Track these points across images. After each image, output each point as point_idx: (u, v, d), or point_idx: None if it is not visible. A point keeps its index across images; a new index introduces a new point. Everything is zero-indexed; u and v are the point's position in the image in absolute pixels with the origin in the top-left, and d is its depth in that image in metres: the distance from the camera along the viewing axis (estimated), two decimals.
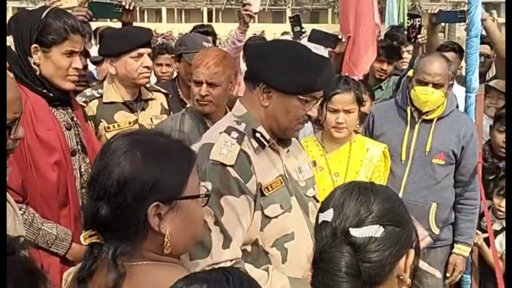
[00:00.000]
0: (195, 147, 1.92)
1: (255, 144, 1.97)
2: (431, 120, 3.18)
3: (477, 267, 3.46)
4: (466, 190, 3.22)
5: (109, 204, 1.30)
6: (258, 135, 1.98)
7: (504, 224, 3.35)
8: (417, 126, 3.19)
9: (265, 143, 1.98)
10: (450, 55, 4.02)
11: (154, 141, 1.39)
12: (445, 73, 3.08)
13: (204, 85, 2.74)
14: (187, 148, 1.45)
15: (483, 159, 3.40)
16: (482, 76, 4.39)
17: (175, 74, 3.97)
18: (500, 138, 3.46)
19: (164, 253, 1.35)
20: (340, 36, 3.73)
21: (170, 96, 3.36)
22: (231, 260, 1.87)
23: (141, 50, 3.03)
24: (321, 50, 4.77)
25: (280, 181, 1.99)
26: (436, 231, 3.18)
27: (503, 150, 3.46)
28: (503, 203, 3.30)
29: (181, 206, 1.36)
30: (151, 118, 3.12)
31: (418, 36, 3.84)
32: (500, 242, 3.35)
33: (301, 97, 1.96)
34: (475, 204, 3.24)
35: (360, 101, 2.91)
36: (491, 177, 3.47)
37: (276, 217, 1.97)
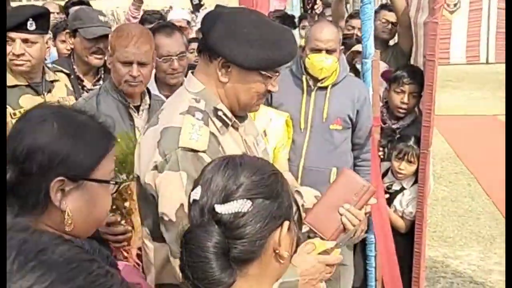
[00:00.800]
0: (153, 130, 1.83)
1: (219, 124, 1.85)
2: (326, 87, 3.26)
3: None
4: (363, 152, 3.35)
5: (15, 169, 1.26)
6: (220, 113, 1.85)
7: (404, 185, 3.51)
8: (313, 94, 3.26)
9: (228, 121, 1.87)
10: (358, 22, 4.13)
11: (75, 116, 1.35)
12: (336, 39, 3.17)
13: (135, 65, 2.56)
14: (107, 131, 1.39)
15: (382, 122, 3.53)
16: (386, 42, 4.51)
17: None
18: (397, 98, 3.58)
19: (65, 231, 1.31)
20: None
21: (71, 76, 3.24)
22: None
23: (11, 34, 2.80)
24: None
25: None
26: None
27: (401, 111, 3.59)
28: (402, 166, 3.43)
29: (88, 187, 1.32)
30: (58, 101, 2.95)
31: (315, 7, 3.89)
32: (400, 201, 3.51)
33: (263, 72, 1.83)
34: (370, 165, 3.35)
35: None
36: (389, 139, 3.60)
37: None
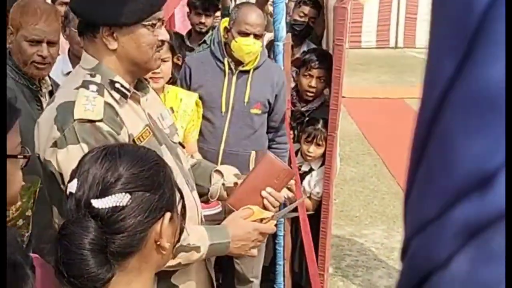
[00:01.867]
0: (49, 108, 1.79)
1: (117, 96, 1.82)
2: (247, 71, 3.27)
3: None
4: (277, 135, 3.40)
5: None
6: (117, 85, 1.82)
7: (312, 166, 3.60)
8: (234, 78, 3.26)
9: (127, 93, 1.84)
10: (312, 10, 4.18)
11: None
12: (263, 24, 3.19)
13: (45, 45, 2.43)
14: (10, 104, 1.35)
15: (291, 105, 3.60)
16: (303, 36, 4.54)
17: None
18: (305, 82, 3.66)
19: None
20: None
21: None
22: None
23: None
24: None
25: (148, 131, 1.87)
26: None
27: (309, 94, 3.67)
28: (311, 149, 3.52)
29: None
30: None
31: None
32: (308, 181, 3.60)
33: (145, 23, 1.81)
34: (285, 147, 3.43)
35: (174, 51, 2.89)
36: (298, 122, 3.67)
37: None
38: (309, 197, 3.61)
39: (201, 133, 3.24)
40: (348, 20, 3.24)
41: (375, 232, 5.29)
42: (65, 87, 1.86)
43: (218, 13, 4.57)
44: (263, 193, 2.04)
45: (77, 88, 1.78)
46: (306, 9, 4.26)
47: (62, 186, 1.71)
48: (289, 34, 3.45)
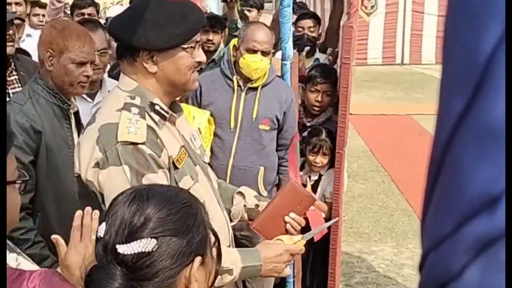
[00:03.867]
0: (91, 129, 1.83)
1: (156, 118, 1.87)
2: (256, 88, 3.32)
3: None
4: (287, 153, 3.42)
5: None
6: (157, 107, 1.88)
7: (322, 172, 3.65)
8: (243, 94, 3.32)
9: (166, 114, 1.90)
10: (310, 21, 4.25)
11: None
12: (271, 41, 3.25)
13: (89, 65, 2.56)
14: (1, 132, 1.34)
15: (298, 119, 3.65)
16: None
17: None
18: (312, 97, 3.72)
19: None
20: None
21: None
22: None
23: None
24: None
25: (184, 152, 1.93)
26: (264, 193, 3.37)
27: (316, 109, 3.74)
28: (318, 159, 3.58)
29: None
30: None
31: None
32: (322, 186, 3.64)
33: (185, 46, 1.88)
34: None
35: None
36: (302, 135, 3.72)
37: (189, 189, 1.88)
38: (324, 201, 3.65)
39: (211, 149, 3.28)
40: (354, 39, 3.28)
41: (384, 249, 5.29)
42: (106, 109, 1.89)
43: (226, 31, 4.64)
44: (286, 219, 2.12)
45: (119, 110, 1.82)
46: (302, 22, 4.36)
47: (102, 205, 1.75)
48: (296, 53, 3.49)
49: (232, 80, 3.31)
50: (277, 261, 1.95)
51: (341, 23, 3.68)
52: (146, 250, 1.14)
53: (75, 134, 2.61)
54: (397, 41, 16.84)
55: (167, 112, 1.90)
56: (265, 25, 3.43)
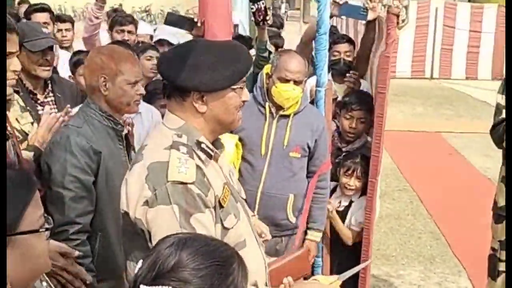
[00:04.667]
0: (139, 166, 1.84)
1: (203, 156, 1.90)
2: (288, 115, 3.32)
3: (328, 236, 3.69)
4: (318, 180, 3.41)
5: None
6: (203, 146, 1.91)
7: (352, 198, 3.63)
8: (275, 122, 3.32)
9: (211, 153, 1.92)
10: (346, 45, 4.26)
11: None
12: (304, 71, 3.25)
13: (140, 84, 2.65)
14: (25, 178, 1.32)
15: (332, 144, 3.64)
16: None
17: None
18: (346, 123, 3.72)
19: None
20: (196, 20, 3.72)
21: (19, 92, 3.19)
22: None
23: None
24: (177, 36, 4.78)
25: (228, 190, 1.94)
26: (293, 220, 3.36)
27: (350, 135, 3.73)
28: (352, 182, 3.58)
29: (18, 242, 1.26)
30: (17, 119, 2.89)
31: (266, 18, 3.90)
32: (351, 213, 3.63)
33: (234, 87, 1.92)
34: (325, 193, 3.46)
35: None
36: (337, 160, 3.71)
37: (232, 227, 1.92)
38: (349, 228, 3.64)
39: (240, 174, 3.29)
40: (390, 70, 3.27)
41: (411, 273, 5.24)
42: (154, 146, 1.91)
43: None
44: (284, 280, 2.14)
45: (167, 149, 1.84)
46: (339, 46, 4.33)
47: (148, 243, 1.77)
48: (330, 80, 3.49)
49: (264, 107, 3.32)
50: None
51: (377, 53, 3.66)
52: None
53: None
54: (427, 55, 16.74)
55: (212, 150, 1.92)
56: (298, 53, 3.42)
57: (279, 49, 4.20)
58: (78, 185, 2.49)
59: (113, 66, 2.58)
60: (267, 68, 3.36)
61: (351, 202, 3.69)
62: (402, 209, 6.79)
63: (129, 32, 4.71)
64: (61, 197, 2.46)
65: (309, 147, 3.34)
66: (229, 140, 3.10)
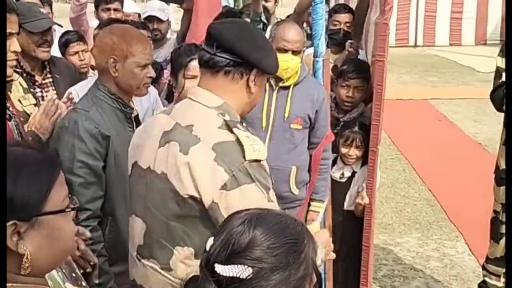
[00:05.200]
0: (200, 148, 1.79)
1: (253, 131, 1.95)
2: (288, 87, 3.28)
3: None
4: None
5: None
6: (244, 124, 1.93)
7: (354, 168, 3.61)
8: (275, 94, 3.28)
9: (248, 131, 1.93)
10: (346, 16, 4.22)
11: (9, 153, 1.25)
12: (302, 40, 3.20)
13: (150, 66, 2.59)
14: (49, 158, 1.31)
15: (330, 115, 3.61)
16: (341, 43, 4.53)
17: None
18: (343, 92, 3.68)
19: (26, 274, 1.25)
20: None
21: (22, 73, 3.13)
22: None
23: None
24: (166, 12, 4.70)
25: None
26: (296, 191, 3.35)
27: (347, 104, 3.69)
28: (351, 152, 3.56)
29: (44, 222, 1.25)
30: (19, 100, 2.84)
31: None
32: (357, 181, 3.65)
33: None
34: (328, 163, 3.43)
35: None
36: (335, 131, 3.68)
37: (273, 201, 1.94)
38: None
39: None
40: (388, 35, 3.23)
41: (409, 241, 5.27)
42: (205, 127, 1.86)
43: None
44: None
45: (223, 128, 1.83)
46: (339, 16, 4.27)
47: (212, 227, 1.76)
48: (328, 50, 3.44)
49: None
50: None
51: (372, 18, 3.62)
52: (241, 277, 1.14)
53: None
54: (410, 23, 16.68)
55: (248, 129, 1.93)
56: (294, 23, 3.37)
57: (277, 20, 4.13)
58: (87, 171, 2.45)
59: (124, 47, 2.51)
60: None
61: (354, 172, 3.67)
62: (395, 178, 6.82)
63: (115, 10, 4.59)
64: (70, 183, 2.38)
65: (310, 118, 3.31)
66: None
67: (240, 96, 1.92)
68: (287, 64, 3.17)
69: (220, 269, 1.14)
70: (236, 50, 1.87)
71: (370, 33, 3.70)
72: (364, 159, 3.59)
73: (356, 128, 3.58)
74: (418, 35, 16.74)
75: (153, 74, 2.61)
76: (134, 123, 2.62)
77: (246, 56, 1.87)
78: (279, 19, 4.44)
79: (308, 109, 3.29)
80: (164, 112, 2.04)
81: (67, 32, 4.08)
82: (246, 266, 1.14)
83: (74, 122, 2.47)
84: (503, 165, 3.55)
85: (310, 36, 3.81)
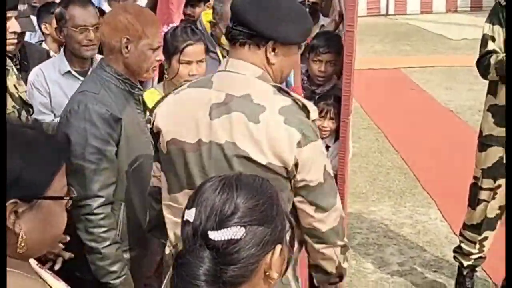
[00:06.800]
0: (268, 113, 1.85)
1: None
2: None
3: None
4: None
5: None
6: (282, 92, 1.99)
7: (328, 143, 3.62)
8: None
9: None
10: None
11: (23, 133, 1.31)
12: None
13: (160, 49, 2.52)
14: (58, 144, 1.37)
15: (303, 88, 3.60)
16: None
17: None
18: (315, 67, 3.66)
19: (15, 254, 1.27)
20: None
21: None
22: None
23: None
24: None
25: None
26: None
27: (320, 79, 3.67)
28: (326, 124, 3.55)
29: (42, 206, 1.29)
30: (15, 85, 2.70)
31: None
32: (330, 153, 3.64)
33: (302, 44, 2.02)
34: None
35: (208, 51, 2.91)
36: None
37: None
38: None
39: None
40: (357, 5, 3.22)
41: (382, 209, 5.34)
42: (260, 94, 1.91)
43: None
44: None
45: (278, 94, 1.92)
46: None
47: (288, 182, 1.89)
48: None
49: (216, 53, 3.25)
50: None
51: None
52: (235, 238, 1.22)
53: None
54: None
55: None
56: None
57: None
58: (99, 157, 2.34)
59: (139, 28, 2.41)
60: (206, 15, 3.26)
61: (327, 147, 3.66)
62: (368, 147, 6.87)
63: None
64: (82, 170, 2.31)
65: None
66: None
67: (266, 67, 1.97)
68: None
69: (215, 235, 1.22)
70: (248, 22, 1.92)
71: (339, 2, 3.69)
72: (337, 134, 3.59)
73: (331, 101, 3.57)
74: (390, 4, 16.76)
75: (162, 57, 2.55)
76: (142, 105, 2.56)
77: (257, 28, 1.91)
78: None
79: None
80: (193, 85, 2.03)
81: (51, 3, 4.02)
82: (238, 227, 1.23)
83: (84, 105, 2.35)
84: (486, 131, 3.59)
85: None
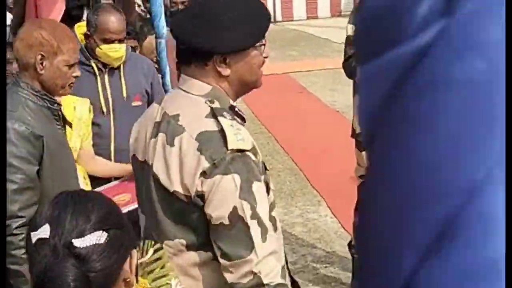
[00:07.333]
0: (183, 138, 1.71)
1: (239, 120, 1.79)
2: (117, 67, 3.26)
3: None
4: None
5: None
6: (236, 109, 1.81)
7: None
8: (106, 77, 3.25)
9: (244, 116, 1.84)
10: None
11: None
12: (124, 26, 3.18)
13: (76, 65, 2.45)
14: None
15: None
16: None
17: None
18: None
19: None
20: None
21: None
22: (272, 253, 1.72)
23: None
24: None
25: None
26: None
27: None
28: None
29: None
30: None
31: None
32: None
33: (257, 44, 1.80)
34: None
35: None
36: None
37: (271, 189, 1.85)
38: None
39: (92, 138, 3.20)
40: None
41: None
42: (191, 116, 1.78)
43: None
44: None
45: (210, 117, 1.73)
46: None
47: (202, 216, 1.72)
48: (168, 30, 3.45)
49: (90, 65, 3.21)
50: None
51: None
52: (99, 242, 1.24)
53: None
54: (268, 0, 17.07)
55: (243, 113, 1.85)
56: (114, 8, 3.33)
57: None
58: (21, 176, 2.26)
59: (54, 44, 2.35)
60: (79, 27, 3.23)
61: None
62: (260, 151, 6.95)
63: None
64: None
65: (147, 92, 3.35)
66: (81, 105, 2.98)
67: (219, 82, 1.81)
68: (117, 54, 3.16)
69: (79, 242, 1.22)
70: (186, 39, 1.78)
71: None
72: None
73: None
74: (277, 11, 17.16)
75: (78, 73, 2.48)
76: (61, 120, 2.51)
77: (197, 44, 1.76)
78: None
79: (143, 84, 3.34)
80: (158, 101, 1.95)
81: None
82: (101, 231, 1.25)
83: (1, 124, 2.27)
84: (358, 129, 3.75)
85: (148, 21, 3.80)
